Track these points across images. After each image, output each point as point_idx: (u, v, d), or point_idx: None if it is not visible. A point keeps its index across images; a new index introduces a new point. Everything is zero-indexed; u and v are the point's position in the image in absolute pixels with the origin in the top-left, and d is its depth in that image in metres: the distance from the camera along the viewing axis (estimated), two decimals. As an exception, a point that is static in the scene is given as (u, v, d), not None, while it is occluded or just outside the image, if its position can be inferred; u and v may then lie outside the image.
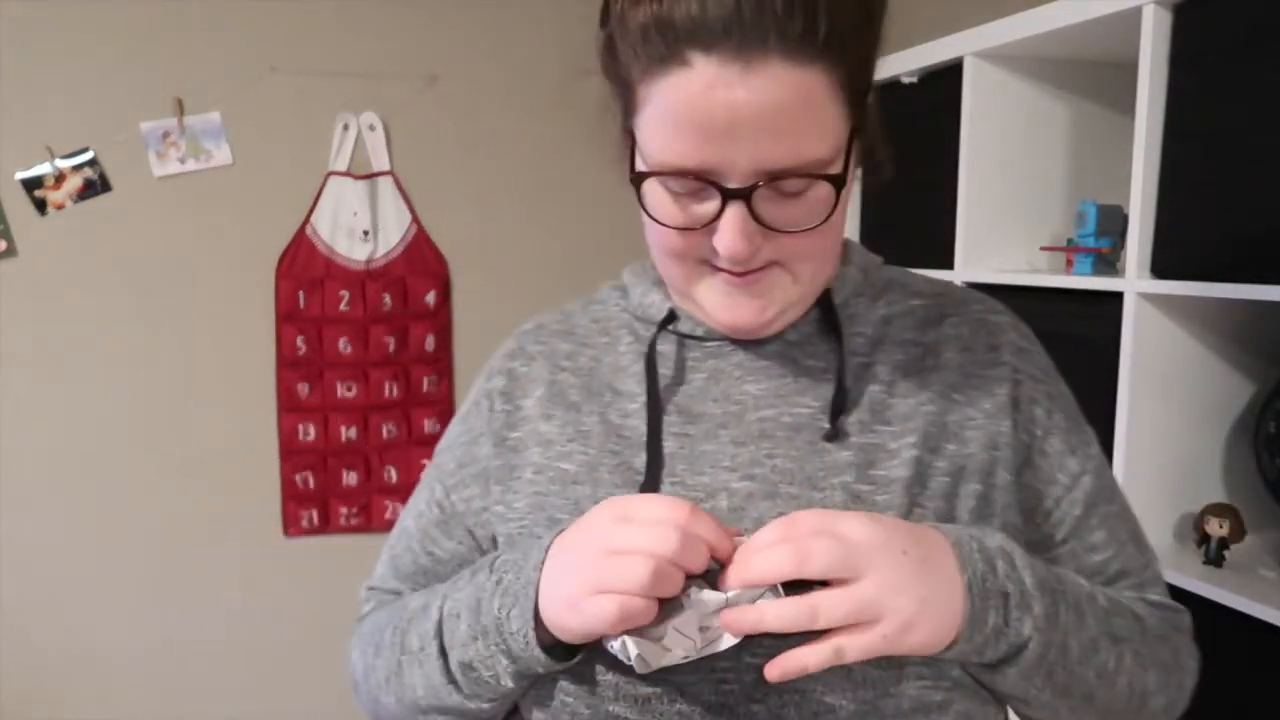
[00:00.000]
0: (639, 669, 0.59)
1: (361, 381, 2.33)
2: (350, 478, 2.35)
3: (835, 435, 0.67)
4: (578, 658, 0.64)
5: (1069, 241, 1.57)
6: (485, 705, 0.68)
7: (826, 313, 0.71)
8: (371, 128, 2.30)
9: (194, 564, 2.29)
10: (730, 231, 0.60)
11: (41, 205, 2.14)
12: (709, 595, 0.58)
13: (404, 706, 0.72)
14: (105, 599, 2.25)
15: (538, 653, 0.62)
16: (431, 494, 0.78)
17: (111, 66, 2.14)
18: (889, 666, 0.61)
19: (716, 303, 0.67)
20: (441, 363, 2.39)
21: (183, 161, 2.21)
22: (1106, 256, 1.48)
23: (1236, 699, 1.20)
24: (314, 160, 2.28)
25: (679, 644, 0.58)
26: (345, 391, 2.32)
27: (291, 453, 2.32)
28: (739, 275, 0.64)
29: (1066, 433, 0.72)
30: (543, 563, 0.63)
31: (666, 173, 0.60)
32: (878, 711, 0.61)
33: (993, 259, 1.63)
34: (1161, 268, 1.28)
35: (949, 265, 1.64)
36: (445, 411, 2.39)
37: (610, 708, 0.64)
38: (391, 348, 2.33)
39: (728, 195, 0.59)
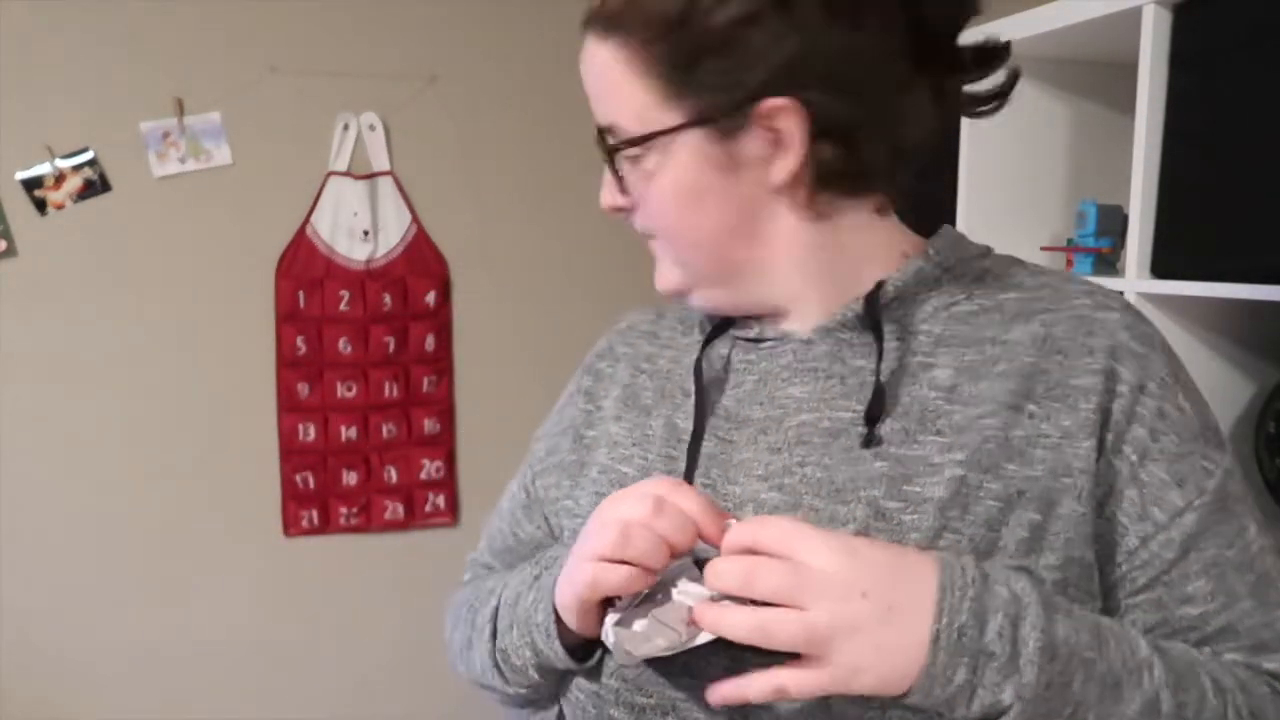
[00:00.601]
0: (619, 659, 0.60)
1: (361, 381, 2.33)
2: (350, 478, 2.35)
3: (870, 442, 0.63)
4: (594, 658, 0.67)
5: (1069, 241, 1.57)
6: (523, 691, 0.72)
7: (869, 309, 0.66)
8: (371, 128, 2.30)
9: (194, 564, 2.29)
10: (604, 183, 0.70)
11: (41, 205, 2.14)
12: (694, 588, 0.59)
13: (472, 678, 0.78)
14: (105, 599, 2.25)
15: (558, 647, 0.66)
16: (523, 478, 0.83)
17: (111, 66, 2.14)
18: (869, 707, 0.58)
19: None
20: (441, 363, 2.39)
21: (183, 161, 2.21)
22: (1106, 256, 1.48)
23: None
24: (314, 160, 2.28)
25: (661, 634, 0.58)
26: (345, 391, 2.32)
27: (291, 453, 2.32)
28: (646, 238, 0.71)
29: (1175, 459, 0.62)
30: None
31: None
32: None
33: (993, 259, 1.63)
34: (1161, 268, 1.28)
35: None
36: (445, 411, 2.39)
37: (611, 712, 0.65)
38: (391, 348, 2.33)
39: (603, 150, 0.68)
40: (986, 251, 0.72)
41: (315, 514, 2.35)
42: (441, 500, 2.41)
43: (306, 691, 2.35)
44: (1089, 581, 0.62)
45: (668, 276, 0.71)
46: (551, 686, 0.71)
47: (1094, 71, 1.61)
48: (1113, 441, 0.62)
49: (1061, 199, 1.65)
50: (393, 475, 2.37)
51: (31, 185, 2.13)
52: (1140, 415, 0.63)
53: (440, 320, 2.38)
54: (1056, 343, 0.64)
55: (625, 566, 0.58)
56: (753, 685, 0.56)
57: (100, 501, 2.23)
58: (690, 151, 0.64)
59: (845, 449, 0.64)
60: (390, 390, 2.34)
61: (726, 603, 0.57)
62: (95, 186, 2.17)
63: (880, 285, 0.67)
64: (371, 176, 2.31)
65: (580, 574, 0.61)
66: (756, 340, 0.71)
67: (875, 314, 0.66)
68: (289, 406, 2.31)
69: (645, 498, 0.59)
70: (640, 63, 0.63)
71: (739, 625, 0.55)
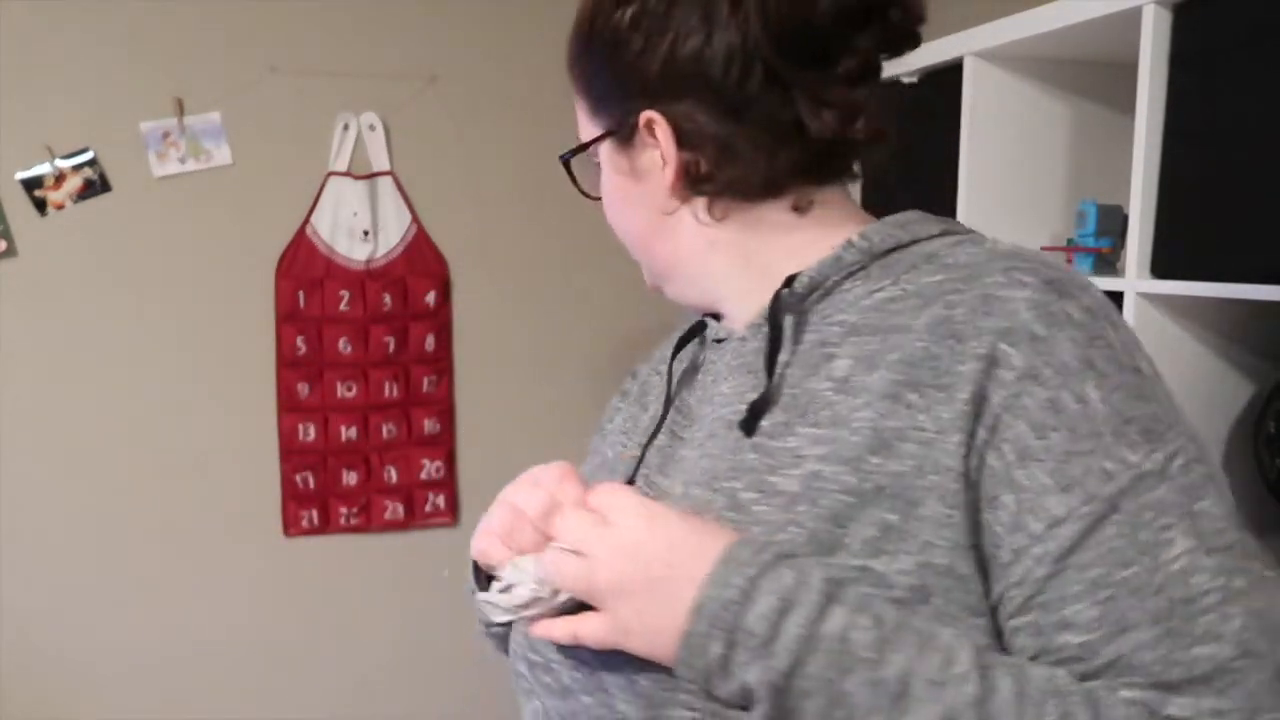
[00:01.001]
0: (491, 615, 0.67)
1: (361, 381, 2.33)
2: (350, 478, 2.34)
3: (749, 434, 0.63)
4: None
5: (1069, 241, 1.57)
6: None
7: (774, 305, 0.66)
8: (371, 128, 2.30)
9: (194, 564, 2.29)
10: None
11: (41, 205, 2.14)
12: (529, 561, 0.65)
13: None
14: (105, 599, 2.25)
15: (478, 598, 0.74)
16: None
17: (111, 66, 2.14)
18: (666, 688, 0.59)
19: None
20: (441, 363, 2.39)
21: (183, 161, 2.21)
22: (1106, 256, 1.48)
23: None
24: (314, 160, 2.28)
25: (529, 593, 0.64)
26: (345, 391, 2.32)
27: (291, 453, 2.32)
28: None
29: (1064, 460, 0.54)
30: None
31: None
32: None
33: (993, 259, 1.63)
34: (1161, 268, 1.28)
35: (949, 265, 1.63)
36: (445, 411, 2.39)
37: (519, 666, 0.71)
38: (391, 348, 2.33)
39: None
40: (943, 233, 0.67)
41: (315, 514, 2.35)
42: (441, 500, 2.41)
43: (306, 691, 2.35)
44: (965, 595, 0.55)
45: (646, 274, 0.78)
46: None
47: (1094, 71, 1.61)
48: (986, 438, 0.55)
49: (1061, 199, 1.66)
50: (393, 475, 2.37)
51: (31, 185, 2.13)
52: (1024, 408, 0.54)
53: (440, 320, 2.38)
54: (954, 326, 0.58)
55: (484, 535, 0.67)
56: (556, 626, 0.62)
57: (100, 501, 2.23)
58: (606, 161, 0.73)
59: (736, 440, 0.65)
60: (390, 390, 2.34)
61: (552, 546, 0.63)
62: (95, 186, 2.17)
63: (791, 280, 0.66)
64: (371, 176, 2.31)
65: (475, 542, 0.70)
66: (718, 340, 0.74)
67: (776, 311, 0.65)
68: (289, 406, 2.31)
69: (524, 482, 0.68)
70: (573, 83, 0.73)
71: (545, 559, 0.62)
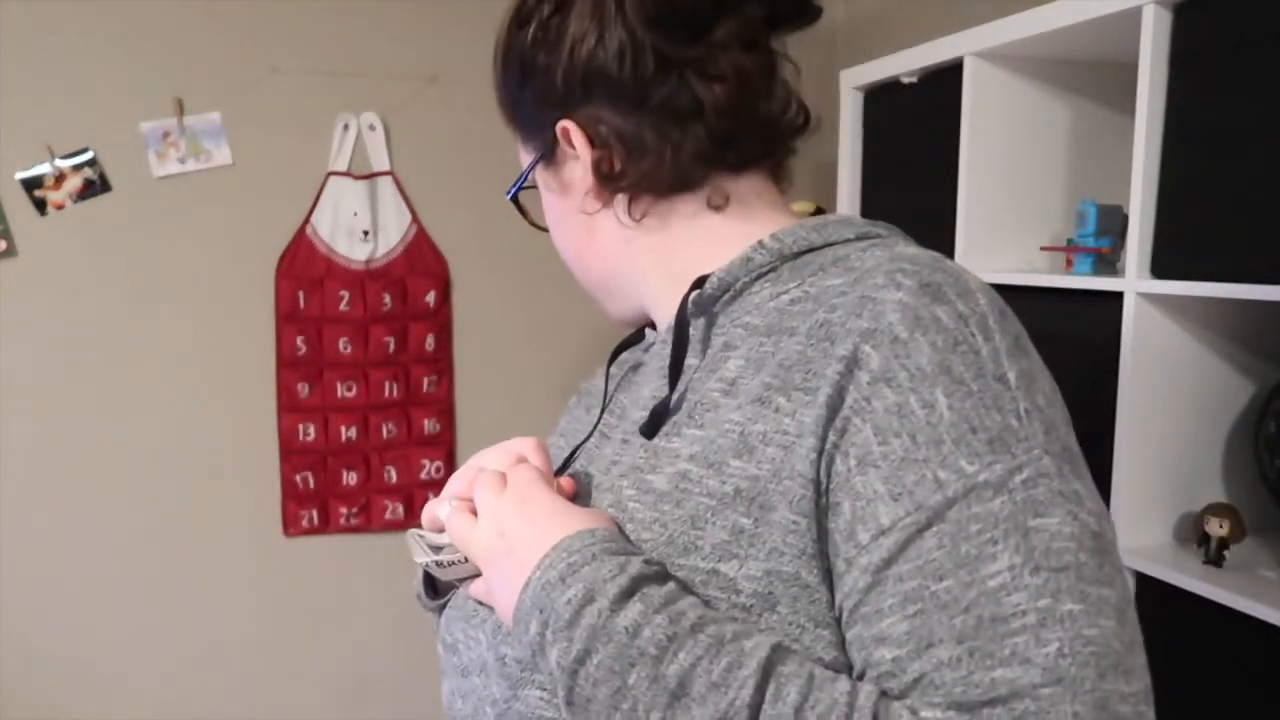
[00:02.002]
0: (439, 574, 0.71)
1: (361, 381, 2.33)
2: (350, 478, 2.34)
3: (650, 437, 0.65)
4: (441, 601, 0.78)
5: (1069, 241, 1.57)
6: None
7: (681, 308, 0.66)
8: (371, 128, 2.30)
9: (194, 564, 2.29)
10: None
11: (41, 205, 2.14)
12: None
13: None
14: (105, 599, 2.25)
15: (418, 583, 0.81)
16: None
17: (111, 66, 2.14)
18: (524, 669, 0.62)
19: None
20: (441, 363, 2.39)
21: (183, 161, 2.21)
22: (1106, 256, 1.48)
23: (1237, 699, 1.20)
24: (314, 160, 2.28)
25: (424, 554, 0.70)
26: (345, 391, 2.32)
27: (291, 453, 2.32)
28: None
29: (900, 467, 0.52)
30: None
31: None
32: (512, 712, 0.63)
33: (993, 259, 1.63)
34: (1161, 268, 1.28)
35: (949, 265, 1.63)
36: (445, 411, 2.39)
37: (439, 647, 0.74)
38: (391, 348, 2.33)
39: None
40: (860, 237, 0.65)
41: (315, 514, 2.35)
42: (441, 500, 2.41)
43: (306, 691, 2.35)
44: (810, 605, 0.54)
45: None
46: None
47: (1094, 71, 1.61)
48: (835, 441, 0.54)
49: (1061, 199, 1.66)
50: (393, 475, 2.37)
51: (31, 185, 2.13)
52: (873, 411, 0.53)
53: (440, 320, 2.38)
54: (830, 329, 0.57)
55: (459, 501, 0.68)
56: (471, 587, 0.68)
57: (100, 501, 2.23)
58: (541, 185, 0.76)
59: (641, 442, 0.66)
60: (390, 390, 2.34)
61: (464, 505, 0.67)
62: (95, 186, 2.17)
63: (701, 282, 0.66)
64: (371, 176, 2.31)
65: (435, 506, 0.71)
66: (651, 344, 0.76)
67: (683, 315, 0.65)
68: (289, 406, 2.31)
69: (509, 453, 0.69)
70: (505, 120, 0.77)
71: (450, 519, 0.67)
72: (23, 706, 2.22)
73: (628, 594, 0.54)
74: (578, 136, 0.69)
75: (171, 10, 2.15)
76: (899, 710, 0.49)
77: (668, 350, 0.67)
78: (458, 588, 0.73)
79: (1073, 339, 1.38)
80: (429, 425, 2.37)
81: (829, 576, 0.54)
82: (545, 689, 0.60)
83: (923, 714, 0.48)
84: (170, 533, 2.27)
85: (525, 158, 0.76)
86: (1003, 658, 0.48)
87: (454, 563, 0.68)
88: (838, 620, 0.54)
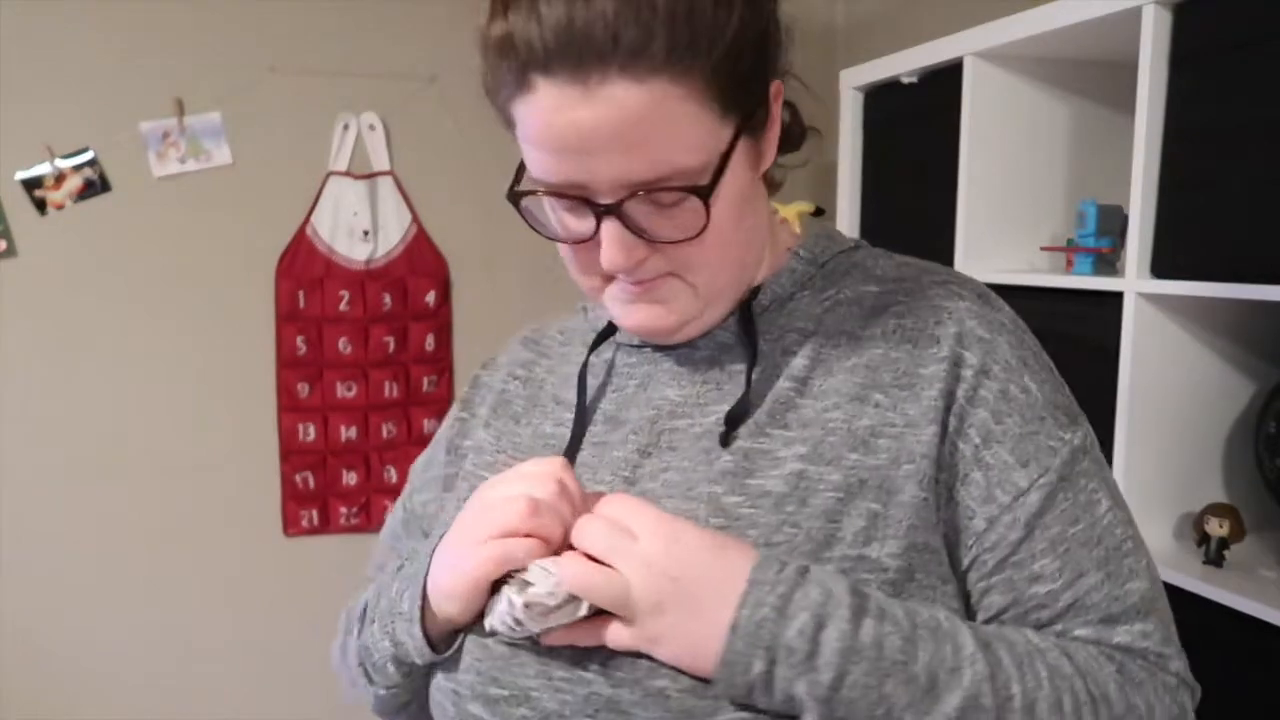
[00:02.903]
0: (531, 625, 0.60)
1: (361, 381, 2.33)
2: (350, 478, 2.35)
3: (727, 442, 0.64)
4: (453, 648, 0.66)
5: (1069, 241, 1.57)
6: (384, 692, 0.71)
7: (745, 315, 0.67)
8: (371, 128, 2.30)
9: (194, 564, 2.29)
10: (608, 245, 0.61)
11: (41, 205, 2.14)
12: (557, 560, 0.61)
13: (350, 687, 0.77)
14: (105, 599, 2.25)
15: (417, 633, 0.65)
16: (405, 495, 0.83)
17: (111, 66, 2.14)
18: (702, 697, 0.59)
19: (620, 311, 0.67)
20: (441, 363, 2.39)
21: (183, 161, 2.21)
22: (1106, 256, 1.48)
23: (1237, 699, 1.20)
24: (314, 160, 2.28)
25: (555, 599, 0.59)
26: (345, 391, 2.32)
27: (291, 453, 2.32)
28: (635, 285, 0.65)
29: (1020, 440, 0.63)
30: (435, 546, 0.66)
31: (543, 191, 0.62)
32: None
33: (993, 259, 1.63)
34: (1161, 268, 1.28)
35: (949, 265, 1.63)
36: (445, 411, 2.37)
37: (469, 707, 0.65)
38: (391, 348, 2.33)
39: (599, 211, 0.60)
40: (857, 245, 0.73)
41: (315, 514, 2.35)
42: (441, 500, 2.41)
43: (306, 691, 2.35)
44: (939, 567, 0.62)
45: (678, 311, 0.66)
46: (413, 684, 0.70)
47: (1094, 71, 1.61)
48: (956, 426, 0.63)
49: (1061, 199, 1.66)
50: (393, 475, 2.37)
51: (31, 185, 2.13)
52: (984, 399, 0.63)
53: (440, 320, 2.38)
54: (906, 333, 0.65)
55: (530, 539, 0.60)
56: (582, 632, 0.60)
57: (100, 501, 2.23)
58: (739, 161, 0.62)
59: (705, 450, 0.65)
60: (390, 390, 2.35)
61: (575, 554, 0.60)
62: (95, 186, 2.17)
63: (757, 291, 0.68)
64: (371, 176, 2.31)
65: (474, 557, 0.61)
66: (639, 346, 0.72)
67: (750, 325, 0.67)
68: (289, 406, 2.31)
69: (548, 478, 0.61)
70: (699, 89, 0.57)
71: (573, 570, 0.58)
72: (23, 706, 2.22)
73: (856, 612, 0.57)
74: (777, 99, 0.64)
75: (171, 10, 2.15)
76: (1064, 640, 0.62)
77: (698, 355, 0.68)
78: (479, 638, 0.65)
79: (1073, 339, 1.38)
80: (429, 425, 2.37)
81: (946, 540, 0.63)
82: (745, 709, 0.58)
83: (1078, 633, 0.62)
84: (170, 532, 2.27)
85: (709, 137, 0.59)
86: (1125, 576, 0.63)
87: (558, 621, 0.60)
88: (960, 574, 0.64)
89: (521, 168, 0.65)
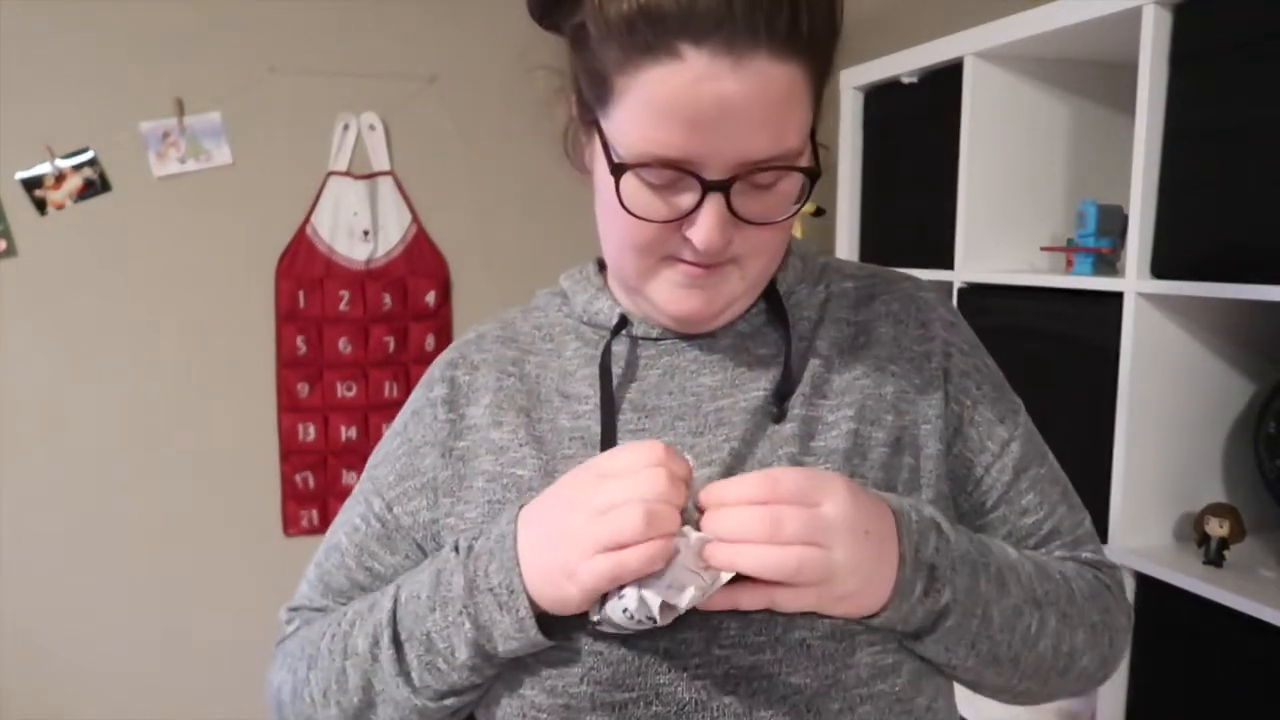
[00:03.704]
0: (663, 620, 0.57)
1: (361, 381, 2.33)
2: (350, 478, 2.35)
3: (782, 416, 0.69)
4: (552, 643, 0.63)
5: (1069, 241, 1.57)
6: (432, 704, 0.65)
7: (774, 303, 0.73)
8: (371, 128, 2.30)
9: (194, 564, 2.29)
10: (707, 223, 0.61)
11: (41, 205, 2.14)
12: (695, 533, 0.58)
13: (347, 718, 0.69)
14: (105, 599, 2.25)
15: (523, 603, 0.60)
16: (369, 508, 0.76)
17: (111, 66, 2.14)
18: (841, 639, 0.63)
19: (670, 295, 0.67)
20: (441, 363, 2.39)
21: (183, 161, 2.21)
22: (1106, 256, 1.48)
23: (1237, 699, 1.20)
24: (314, 160, 2.28)
25: (691, 580, 0.57)
26: (345, 391, 2.32)
27: (291, 453, 2.32)
28: (702, 268, 0.65)
29: (994, 402, 0.75)
30: (515, 524, 0.63)
31: (647, 164, 0.61)
32: (840, 684, 0.63)
33: (993, 259, 1.63)
34: (1161, 268, 1.28)
35: (949, 265, 1.63)
36: (445, 411, 2.39)
37: (588, 718, 0.63)
38: (391, 348, 2.33)
39: (708, 187, 0.60)
40: (819, 250, 0.82)
41: (315, 514, 2.35)
42: (441, 500, 2.41)
43: (306, 691, 2.35)
44: (948, 509, 0.72)
45: (723, 297, 0.68)
46: (472, 686, 0.65)
47: (1094, 71, 1.61)
48: (954, 393, 0.73)
49: (1061, 199, 1.65)
50: (393, 475, 2.37)
51: (31, 185, 2.13)
52: (965, 370, 0.74)
53: (440, 320, 2.38)
54: (896, 316, 0.75)
55: (650, 543, 0.56)
56: (744, 596, 0.59)
57: (100, 501, 2.23)
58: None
59: (759, 424, 0.69)
60: (390, 390, 2.34)
61: (745, 545, 0.57)
62: (95, 186, 2.17)
63: (774, 283, 0.73)
64: (371, 176, 2.31)
65: (593, 569, 0.57)
66: (656, 339, 0.73)
67: (782, 309, 0.72)
68: (289, 406, 2.31)
69: (651, 470, 0.58)
70: (814, 75, 0.61)
71: (768, 562, 0.57)
72: (23, 706, 2.22)
73: (951, 524, 0.67)
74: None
75: (171, 10, 2.15)
76: (1049, 555, 0.75)
77: (721, 344, 0.72)
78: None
79: (1073, 339, 1.38)
80: (388, 428, 2.37)
81: (953, 488, 0.73)
82: (874, 644, 0.64)
83: (1056, 553, 0.75)
84: (170, 532, 2.27)
85: (808, 119, 0.62)
86: (1078, 507, 0.78)
87: (695, 601, 0.57)
88: (961, 514, 0.74)
89: (606, 142, 0.63)
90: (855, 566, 0.59)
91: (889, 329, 0.74)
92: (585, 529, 0.58)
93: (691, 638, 0.62)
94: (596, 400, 0.70)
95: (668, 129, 0.59)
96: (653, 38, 0.57)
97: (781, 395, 0.70)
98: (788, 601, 0.59)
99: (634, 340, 0.73)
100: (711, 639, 0.62)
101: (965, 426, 0.73)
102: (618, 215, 0.64)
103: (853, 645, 0.63)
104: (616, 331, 0.72)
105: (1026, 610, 0.67)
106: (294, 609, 0.83)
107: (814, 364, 0.72)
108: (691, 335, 0.72)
